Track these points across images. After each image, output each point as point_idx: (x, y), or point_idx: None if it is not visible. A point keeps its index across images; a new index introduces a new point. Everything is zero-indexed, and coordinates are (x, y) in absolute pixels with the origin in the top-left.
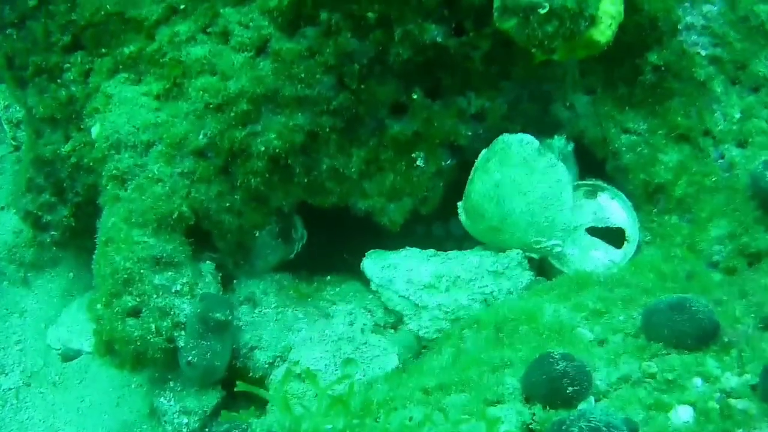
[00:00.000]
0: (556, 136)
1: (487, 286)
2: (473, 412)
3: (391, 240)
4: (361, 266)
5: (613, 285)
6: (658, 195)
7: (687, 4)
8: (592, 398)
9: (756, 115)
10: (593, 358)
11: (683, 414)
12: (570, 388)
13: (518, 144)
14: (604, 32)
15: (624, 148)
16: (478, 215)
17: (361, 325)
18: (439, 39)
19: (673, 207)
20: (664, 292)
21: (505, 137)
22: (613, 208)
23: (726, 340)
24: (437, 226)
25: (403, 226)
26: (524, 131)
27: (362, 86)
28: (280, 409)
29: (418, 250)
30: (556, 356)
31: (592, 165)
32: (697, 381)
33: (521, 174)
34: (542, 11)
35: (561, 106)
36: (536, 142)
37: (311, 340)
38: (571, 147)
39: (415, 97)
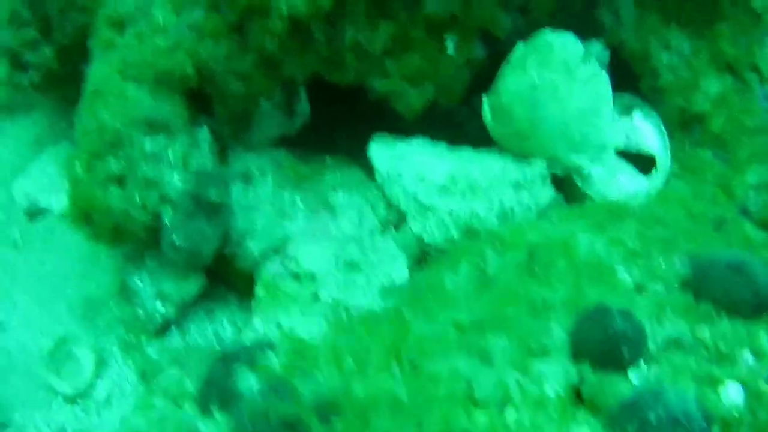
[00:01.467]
0: (593, 40)
1: (507, 198)
2: (516, 364)
3: (402, 132)
4: (367, 152)
5: (651, 221)
6: (694, 125)
7: None
8: (643, 364)
9: None
10: (635, 309)
11: (733, 393)
12: (627, 352)
13: (561, 46)
14: None
15: (664, 67)
16: (506, 116)
17: (369, 224)
18: None
19: (709, 141)
20: (704, 238)
21: (548, 35)
22: (647, 131)
23: None
24: (458, 116)
25: (420, 117)
26: (564, 27)
27: None
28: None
29: (432, 141)
30: (614, 312)
31: (626, 81)
32: (748, 356)
33: (561, 79)
34: None
35: (606, 11)
36: (581, 47)
37: (312, 235)
38: (607, 55)
39: None
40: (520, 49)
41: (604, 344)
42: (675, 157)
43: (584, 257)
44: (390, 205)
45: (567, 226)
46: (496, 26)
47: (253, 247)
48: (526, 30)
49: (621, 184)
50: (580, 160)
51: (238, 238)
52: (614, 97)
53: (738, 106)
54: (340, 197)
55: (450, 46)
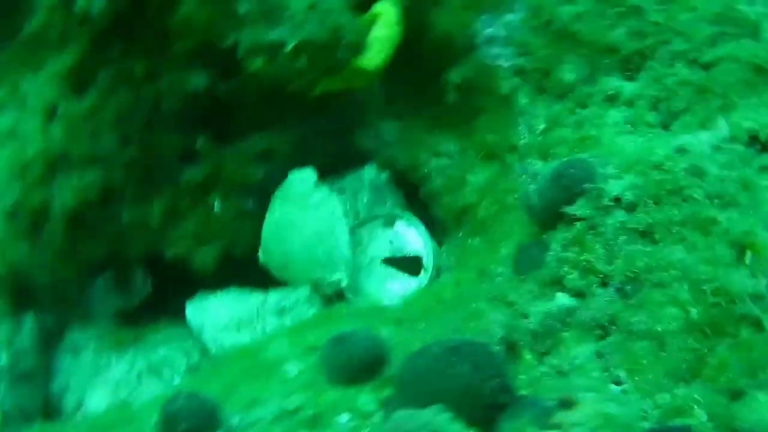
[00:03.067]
0: (366, 167)
1: (270, 323)
2: None
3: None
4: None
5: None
6: (465, 217)
7: (486, 17)
8: None
9: (561, 123)
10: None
11: None
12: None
13: (298, 180)
14: (374, 58)
15: (434, 172)
16: (267, 254)
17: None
18: (203, 86)
19: (477, 229)
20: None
21: (292, 174)
22: (410, 236)
23: None
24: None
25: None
26: (324, 165)
27: (147, 139)
28: None
29: (237, 290)
30: (181, 395)
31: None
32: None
33: (297, 210)
34: (288, 48)
35: (367, 135)
36: (313, 177)
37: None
38: (384, 177)
39: (199, 144)
40: (276, 193)
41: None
42: (451, 251)
43: (264, 358)
44: (204, 350)
45: (271, 336)
46: (248, 177)
47: (70, 400)
48: (280, 174)
49: (392, 290)
50: (334, 277)
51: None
52: (377, 213)
53: (501, 187)
54: (159, 353)
55: (216, 205)
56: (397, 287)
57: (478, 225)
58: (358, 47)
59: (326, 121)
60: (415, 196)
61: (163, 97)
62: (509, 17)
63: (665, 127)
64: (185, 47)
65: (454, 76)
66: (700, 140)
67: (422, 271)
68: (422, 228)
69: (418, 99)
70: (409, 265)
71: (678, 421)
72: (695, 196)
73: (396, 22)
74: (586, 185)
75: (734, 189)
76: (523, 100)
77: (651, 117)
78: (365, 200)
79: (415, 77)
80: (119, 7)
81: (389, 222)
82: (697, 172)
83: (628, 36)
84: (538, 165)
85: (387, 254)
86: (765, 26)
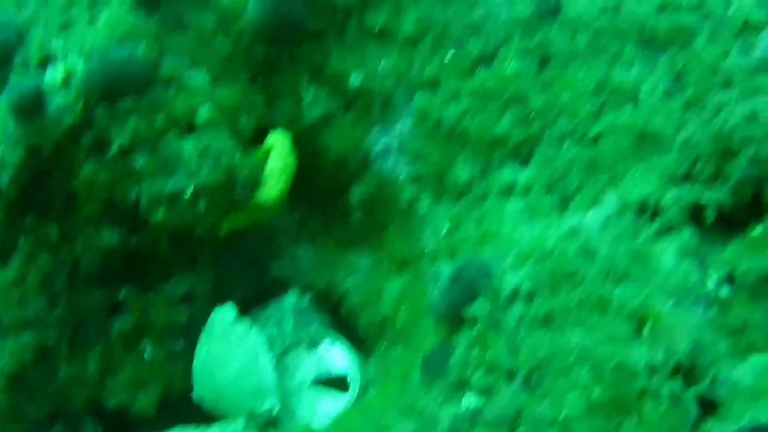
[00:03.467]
0: (288, 293)
1: None
2: None
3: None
4: None
5: None
6: (385, 328)
7: (376, 129)
8: None
9: (463, 222)
10: None
11: None
12: None
13: (219, 317)
14: (272, 190)
15: (352, 289)
16: (200, 391)
17: None
18: (115, 242)
19: (398, 338)
20: None
21: (214, 312)
22: (335, 355)
23: None
24: None
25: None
26: (246, 297)
27: (73, 297)
28: None
29: (181, 428)
30: None
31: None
32: None
33: (222, 346)
34: (187, 195)
35: (283, 263)
36: (233, 313)
37: None
38: (306, 300)
39: (122, 295)
40: (202, 331)
41: None
42: (377, 363)
43: None
44: None
45: None
46: (174, 321)
47: None
48: (204, 314)
49: (324, 411)
50: (267, 406)
51: None
52: (301, 337)
53: (416, 295)
54: None
55: (147, 351)
56: (328, 407)
57: (398, 334)
58: (255, 183)
59: (240, 256)
60: (338, 315)
61: (81, 256)
62: (399, 126)
63: (562, 208)
64: (93, 208)
65: (356, 194)
66: (591, 219)
67: (350, 389)
68: (346, 345)
69: (326, 220)
70: (337, 383)
71: None
72: (588, 277)
73: (289, 153)
74: (483, 284)
75: (625, 263)
76: (424, 206)
77: (547, 201)
78: (290, 326)
79: (320, 200)
80: (24, 180)
81: (313, 344)
82: (588, 253)
83: (515, 125)
84: (444, 268)
85: (314, 376)
86: (642, 89)
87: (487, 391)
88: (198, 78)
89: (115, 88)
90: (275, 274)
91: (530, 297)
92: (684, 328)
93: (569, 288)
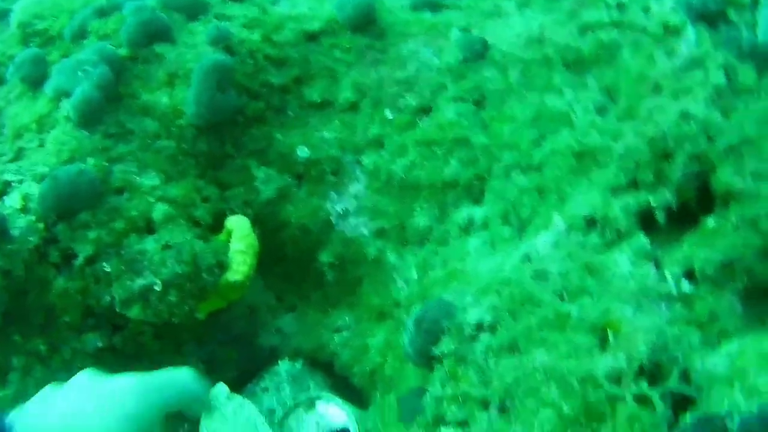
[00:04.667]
0: (280, 362)
1: None
2: None
3: None
4: None
5: None
6: (376, 379)
7: (333, 194)
8: None
9: (430, 266)
10: None
11: None
12: None
13: (213, 397)
14: (238, 270)
15: (340, 348)
16: None
17: None
18: (101, 344)
19: (388, 386)
20: None
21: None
22: (332, 411)
23: None
24: None
25: None
26: (241, 373)
27: None
28: None
29: None
30: None
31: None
32: None
33: (219, 424)
34: (157, 288)
35: (269, 335)
36: (225, 390)
37: None
38: (299, 365)
39: None
40: None
41: None
42: (375, 413)
43: None
44: None
45: None
46: None
47: None
48: None
49: None
50: None
51: None
52: (298, 400)
53: (398, 343)
54: None
55: None
56: None
57: (388, 382)
58: (222, 266)
59: (225, 336)
60: (332, 373)
61: (71, 362)
62: (354, 188)
63: (521, 235)
64: (72, 316)
65: (325, 257)
66: (541, 242)
67: None
68: (340, 401)
69: (302, 289)
70: None
71: None
72: (545, 298)
73: (248, 233)
74: (446, 323)
75: (579, 278)
76: (391, 257)
77: (506, 231)
78: (288, 391)
79: (291, 271)
80: (3, 304)
81: (310, 405)
82: (542, 275)
83: (462, 166)
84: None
85: None
86: (575, 110)
87: (463, 423)
88: (148, 180)
89: (69, 205)
90: (263, 346)
91: (494, 327)
92: (645, 330)
93: (529, 312)
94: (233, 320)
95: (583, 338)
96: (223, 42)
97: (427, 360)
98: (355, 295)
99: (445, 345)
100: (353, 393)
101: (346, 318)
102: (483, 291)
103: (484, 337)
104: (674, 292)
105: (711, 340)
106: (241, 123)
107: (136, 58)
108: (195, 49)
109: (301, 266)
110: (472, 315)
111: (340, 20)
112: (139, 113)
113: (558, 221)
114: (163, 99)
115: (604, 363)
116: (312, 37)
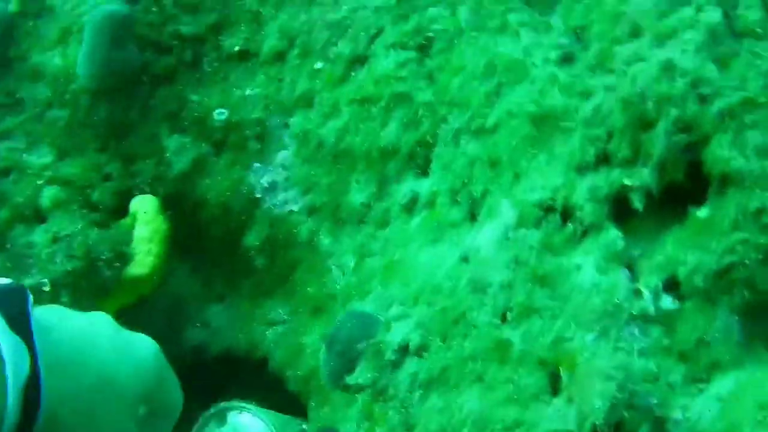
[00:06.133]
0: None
1: None
2: None
3: None
4: None
5: None
6: (309, 388)
7: (257, 164)
8: None
9: (368, 253)
10: None
11: None
12: None
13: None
14: (143, 262)
15: (273, 344)
16: None
17: None
18: None
19: (323, 400)
20: None
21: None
22: (246, 421)
23: None
24: None
25: None
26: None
27: None
28: None
29: None
30: None
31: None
32: None
33: None
34: (47, 288)
35: (195, 328)
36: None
37: None
38: None
39: None
40: None
41: None
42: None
43: None
44: None
45: None
46: None
47: None
48: None
49: None
50: None
51: None
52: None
53: None
54: None
55: None
56: None
57: (324, 395)
58: (123, 258)
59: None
60: (263, 374)
61: None
62: (281, 156)
63: (472, 219)
64: None
65: (251, 239)
66: (484, 239)
67: None
68: (254, 409)
69: (231, 274)
70: None
71: None
72: (481, 318)
73: (155, 216)
74: (362, 344)
75: (526, 293)
76: (325, 240)
77: (454, 214)
78: None
79: (217, 254)
80: None
81: (221, 418)
82: (480, 287)
83: (403, 128)
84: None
85: None
86: (534, 59)
87: None
88: (39, 158)
89: None
90: (190, 344)
91: (421, 350)
92: (605, 375)
93: (462, 334)
94: (154, 315)
95: (528, 377)
96: None
97: (341, 389)
98: (289, 282)
99: (361, 373)
100: (285, 398)
101: (280, 310)
102: (413, 297)
103: (411, 362)
104: (651, 310)
105: (698, 376)
106: (146, 83)
107: (27, 14)
108: None
109: (226, 251)
110: (396, 333)
111: None
112: (29, 78)
113: (506, 209)
114: (55, 60)
115: (548, 422)
116: None
